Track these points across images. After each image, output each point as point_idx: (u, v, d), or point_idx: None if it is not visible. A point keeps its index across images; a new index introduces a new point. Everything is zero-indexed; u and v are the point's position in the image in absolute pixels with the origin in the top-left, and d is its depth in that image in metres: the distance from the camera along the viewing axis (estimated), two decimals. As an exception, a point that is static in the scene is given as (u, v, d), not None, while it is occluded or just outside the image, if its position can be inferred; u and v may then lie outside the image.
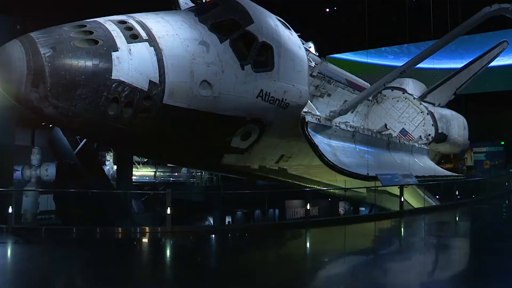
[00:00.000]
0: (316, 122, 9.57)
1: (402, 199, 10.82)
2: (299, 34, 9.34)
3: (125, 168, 13.75)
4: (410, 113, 15.00)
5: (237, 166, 9.24)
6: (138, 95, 6.35)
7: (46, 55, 5.70)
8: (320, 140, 9.48)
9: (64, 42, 5.89)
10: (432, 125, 15.22)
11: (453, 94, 17.23)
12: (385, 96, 15.23)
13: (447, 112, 16.48)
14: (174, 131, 7.33)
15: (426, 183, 13.50)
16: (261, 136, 8.71)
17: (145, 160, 17.27)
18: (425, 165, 15.36)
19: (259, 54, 7.84)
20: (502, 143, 27.39)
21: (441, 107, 16.79)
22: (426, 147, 15.89)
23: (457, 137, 16.54)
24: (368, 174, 10.27)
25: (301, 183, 11.18)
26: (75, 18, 6.63)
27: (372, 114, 15.18)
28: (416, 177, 11.85)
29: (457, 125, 16.57)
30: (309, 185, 11.33)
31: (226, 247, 8.21)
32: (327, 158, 9.09)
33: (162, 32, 6.80)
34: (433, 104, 16.34)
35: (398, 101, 15.19)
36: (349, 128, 11.02)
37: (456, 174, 17.37)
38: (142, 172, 17.28)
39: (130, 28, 6.54)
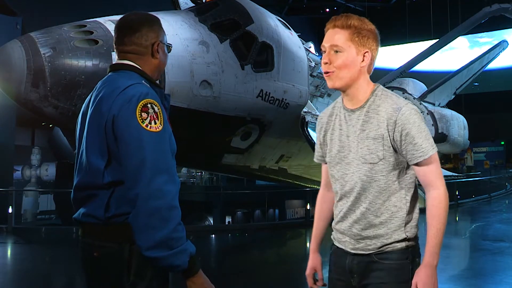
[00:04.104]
0: (316, 122, 9.57)
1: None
2: (299, 34, 9.33)
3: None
4: (410, 113, 14.98)
5: (237, 166, 9.24)
6: (138, 95, 6.34)
7: (46, 55, 5.70)
8: (320, 140, 9.47)
9: (64, 42, 5.88)
10: (432, 125, 15.20)
11: (453, 94, 17.22)
12: (385, 96, 15.21)
13: (447, 112, 16.47)
14: (173, 131, 7.32)
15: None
16: (261, 136, 8.71)
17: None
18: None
19: (259, 54, 7.84)
20: (502, 143, 27.38)
21: (441, 107, 16.78)
22: (426, 147, 15.87)
23: (457, 137, 16.52)
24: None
25: (301, 183, 11.18)
26: (75, 18, 6.63)
27: (372, 114, 15.13)
28: (416, 177, 11.81)
29: (457, 125, 16.54)
30: (309, 185, 11.32)
31: (226, 247, 8.21)
32: (327, 158, 9.08)
33: (162, 32, 6.79)
34: (433, 104, 16.34)
35: (398, 101, 15.18)
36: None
37: (456, 174, 17.36)
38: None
39: (130, 28, 6.53)
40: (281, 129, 8.92)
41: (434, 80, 17.35)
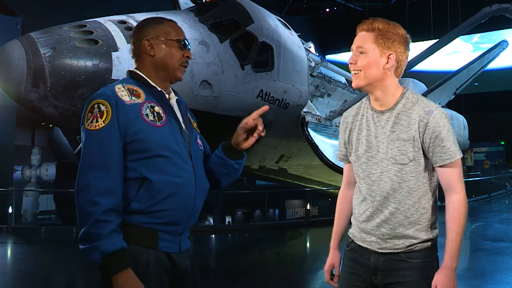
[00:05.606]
0: (316, 122, 9.58)
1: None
2: (299, 34, 9.34)
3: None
4: (410, 113, 14.97)
5: (237, 166, 9.23)
6: (138, 95, 6.34)
7: (46, 55, 5.70)
8: (320, 140, 9.48)
9: (64, 42, 5.88)
10: (432, 125, 15.20)
11: (453, 94, 17.21)
12: (385, 96, 15.20)
13: (447, 112, 16.48)
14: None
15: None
16: (261, 136, 8.71)
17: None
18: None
19: (259, 54, 7.85)
20: (502, 143, 27.38)
21: (441, 107, 16.77)
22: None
23: (457, 137, 16.48)
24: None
25: (301, 183, 11.17)
26: (75, 18, 6.63)
27: (372, 114, 15.13)
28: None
29: (457, 125, 16.55)
30: (309, 185, 11.32)
31: (226, 247, 8.21)
32: (327, 158, 9.09)
33: (162, 32, 6.79)
34: (433, 104, 16.32)
35: (398, 101, 15.17)
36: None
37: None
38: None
39: (130, 28, 6.53)
40: (281, 129, 8.92)
41: (434, 80, 17.32)
